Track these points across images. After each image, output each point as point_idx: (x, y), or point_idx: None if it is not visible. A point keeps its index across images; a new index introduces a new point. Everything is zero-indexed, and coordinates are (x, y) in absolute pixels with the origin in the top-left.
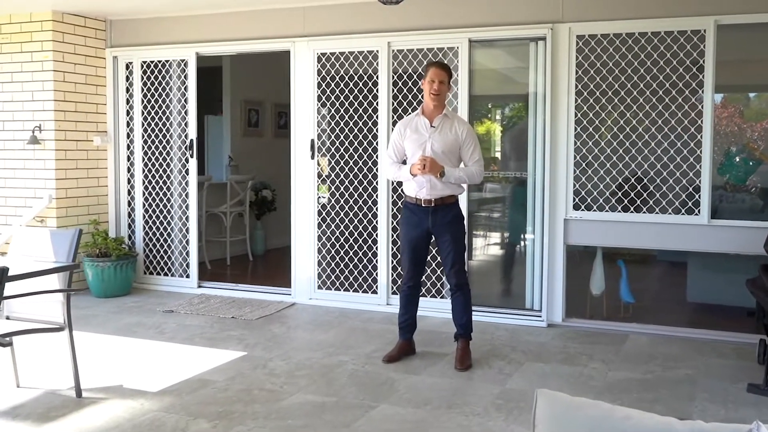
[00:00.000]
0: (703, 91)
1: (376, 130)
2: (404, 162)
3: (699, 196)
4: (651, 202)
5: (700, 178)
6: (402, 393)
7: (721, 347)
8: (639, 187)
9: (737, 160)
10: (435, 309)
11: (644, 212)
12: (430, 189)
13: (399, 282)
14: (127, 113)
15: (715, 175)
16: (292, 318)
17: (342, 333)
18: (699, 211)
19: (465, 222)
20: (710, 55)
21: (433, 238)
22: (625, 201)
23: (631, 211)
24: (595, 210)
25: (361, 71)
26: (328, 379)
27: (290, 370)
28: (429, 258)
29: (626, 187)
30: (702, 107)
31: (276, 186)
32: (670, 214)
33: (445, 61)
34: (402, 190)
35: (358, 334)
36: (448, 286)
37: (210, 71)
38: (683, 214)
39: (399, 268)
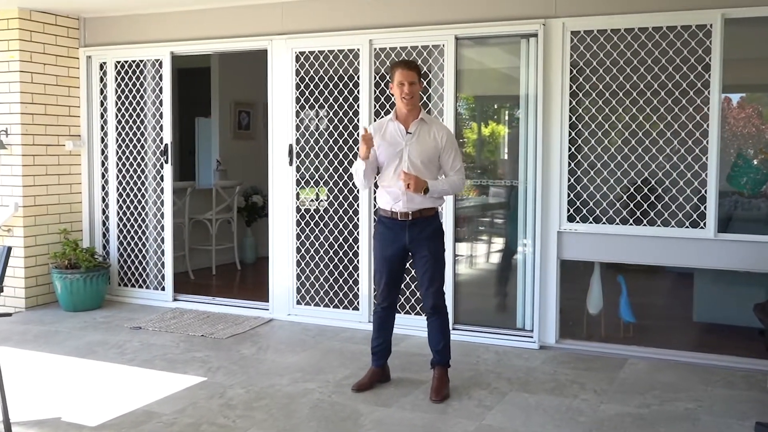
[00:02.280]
0: (709, 92)
1: (357, 135)
2: (378, 171)
3: (704, 208)
4: (652, 214)
5: (706, 187)
6: (366, 430)
7: (729, 374)
8: (639, 198)
9: (755, 163)
10: (416, 327)
11: (644, 225)
12: (407, 201)
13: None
14: (102, 116)
15: (724, 183)
16: (265, 337)
17: (315, 355)
18: (704, 224)
19: (445, 236)
20: (717, 53)
21: (410, 255)
22: (624, 212)
23: (631, 224)
24: (591, 222)
25: (341, 71)
26: (288, 411)
27: (249, 400)
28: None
29: (625, 197)
30: (708, 109)
31: (267, 191)
32: (672, 227)
33: (429, 60)
34: (376, 203)
35: (333, 357)
36: (425, 307)
37: (201, 72)
38: (687, 227)
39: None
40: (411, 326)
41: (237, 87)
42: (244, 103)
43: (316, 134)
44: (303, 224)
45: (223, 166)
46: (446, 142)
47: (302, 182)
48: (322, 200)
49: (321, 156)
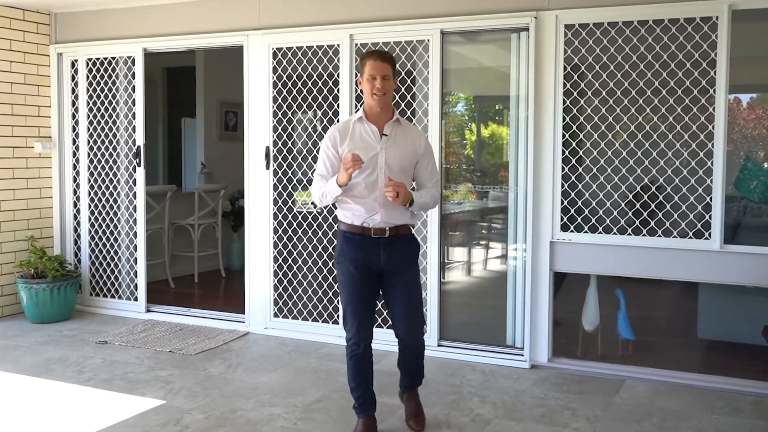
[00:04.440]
0: (714, 91)
1: None
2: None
3: (710, 217)
4: (652, 224)
5: (711, 194)
6: None
7: (735, 399)
8: (638, 206)
9: (765, 166)
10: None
11: (644, 235)
12: (385, 214)
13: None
14: (73, 117)
15: (731, 189)
16: (237, 353)
17: (288, 374)
18: (709, 235)
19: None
20: (723, 47)
21: (381, 280)
22: (622, 221)
23: (629, 234)
24: (586, 231)
25: (320, 69)
26: None
27: (206, 428)
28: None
29: (623, 205)
30: (713, 110)
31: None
32: (675, 237)
33: (413, 57)
34: (338, 216)
35: (306, 376)
36: (402, 340)
37: (190, 71)
38: (691, 237)
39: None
40: (393, 342)
41: (224, 86)
42: (231, 103)
43: (294, 136)
44: (281, 232)
45: (208, 168)
46: (425, 149)
47: (299, 186)
48: (305, 202)
49: (299, 159)
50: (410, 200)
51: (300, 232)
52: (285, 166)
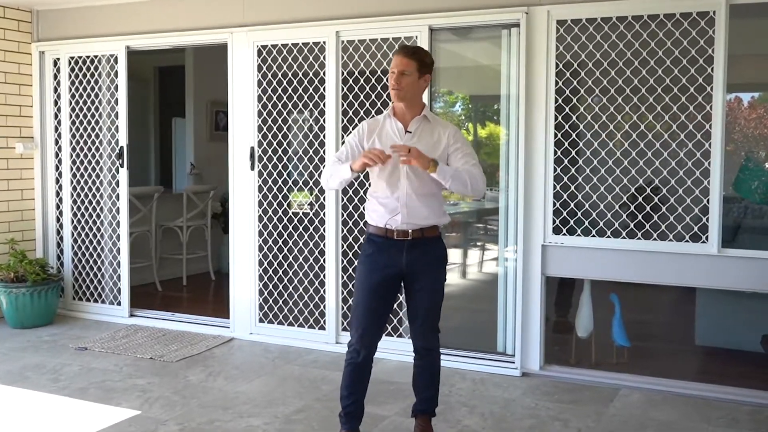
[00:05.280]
0: (712, 89)
1: (323, 137)
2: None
3: (707, 220)
4: (647, 227)
5: (709, 196)
6: None
7: (733, 409)
8: (633, 208)
9: (767, 166)
10: (388, 350)
11: (639, 239)
12: (407, 214)
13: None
14: (56, 116)
15: (730, 190)
16: (220, 360)
17: (270, 382)
18: (707, 238)
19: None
20: (721, 44)
21: (403, 284)
22: (616, 224)
23: (624, 237)
24: (579, 235)
25: (306, 67)
26: None
27: None
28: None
29: (617, 207)
30: (711, 108)
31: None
32: (671, 241)
33: None
34: (365, 218)
35: (289, 384)
36: (415, 346)
37: (181, 70)
38: (687, 241)
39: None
40: (382, 348)
41: (214, 86)
42: (221, 103)
43: (279, 136)
44: (266, 234)
45: (198, 169)
46: (454, 139)
47: (285, 187)
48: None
49: (285, 159)
50: (433, 162)
51: (286, 235)
52: (270, 167)
